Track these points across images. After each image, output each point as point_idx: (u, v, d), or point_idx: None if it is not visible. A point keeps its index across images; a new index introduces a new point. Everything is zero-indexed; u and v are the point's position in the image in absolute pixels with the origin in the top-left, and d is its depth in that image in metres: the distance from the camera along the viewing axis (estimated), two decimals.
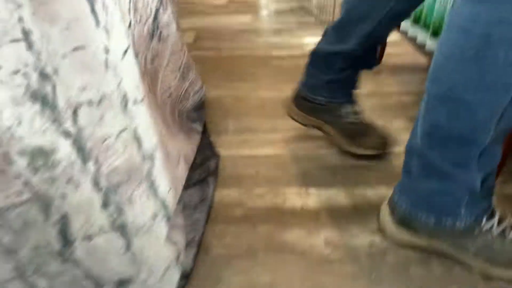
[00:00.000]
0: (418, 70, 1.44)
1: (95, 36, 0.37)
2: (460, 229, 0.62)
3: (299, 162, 0.94)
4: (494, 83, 0.48)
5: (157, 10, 0.59)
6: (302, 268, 0.66)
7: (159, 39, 0.62)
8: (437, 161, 0.59)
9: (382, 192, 0.83)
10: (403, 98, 1.25)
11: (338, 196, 0.83)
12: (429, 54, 1.31)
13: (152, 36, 0.59)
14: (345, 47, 0.83)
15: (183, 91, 0.86)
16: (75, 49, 0.36)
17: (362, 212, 0.78)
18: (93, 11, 0.37)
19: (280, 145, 1.01)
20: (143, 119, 0.43)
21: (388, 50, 1.49)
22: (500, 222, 0.62)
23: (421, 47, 1.37)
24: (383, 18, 0.78)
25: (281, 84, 1.36)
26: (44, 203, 0.38)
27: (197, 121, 1.03)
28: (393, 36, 1.44)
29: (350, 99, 0.94)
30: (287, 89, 1.32)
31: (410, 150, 0.64)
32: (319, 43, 0.90)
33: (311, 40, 1.81)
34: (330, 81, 0.89)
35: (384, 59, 1.52)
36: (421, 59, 1.50)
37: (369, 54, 0.88)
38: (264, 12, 2.35)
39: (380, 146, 0.93)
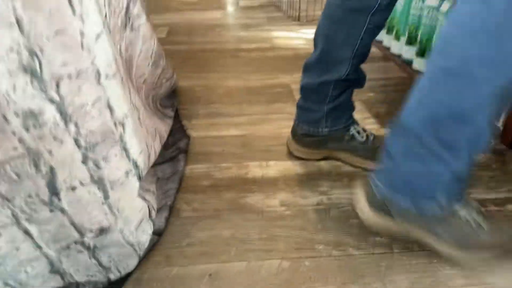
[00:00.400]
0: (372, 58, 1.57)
1: (73, 22, 0.47)
2: (434, 215, 0.61)
3: (261, 141, 1.05)
4: (508, 61, 0.48)
5: (128, 4, 0.68)
6: (259, 223, 0.77)
7: (131, 29, 0.72)
8: (428, 141, 0.56)
9: (333, 162, 0.95)
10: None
11: (294, 166, 0.94)
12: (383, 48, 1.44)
13: (125, 26, 0.68)
14: (336, 75, 0.83)
15: (156, 78, 0.95)
16: (56, 32, 0.45)
17: (313, 178, 0.90)
18: (70, 2, 0.47)
19: (244, 127, 1.12)
20: (115, 91, 0.53)
21: None
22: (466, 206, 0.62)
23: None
24: (364, 33, 0.77)
25: (248, 74, 1.47)
26: (35, 157, 0.47)
27: (169, 107, 1.12)
28: None
29: (352, 121, 0.92)
30: (254, 78, 1.44)
31: (396, 130, 0.62)
32: (304, 79, 0.89)
33: (279, 34, 1.93)
34: (329, 110, 0.88)
35: None
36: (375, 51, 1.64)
37: (359, 73, 0.86)
38: (234, 8, 2.45)
39: None
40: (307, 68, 0.88)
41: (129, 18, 0.70)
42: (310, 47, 1.77)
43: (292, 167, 0.94)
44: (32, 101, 0.45)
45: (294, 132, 0.96)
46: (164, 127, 0.96)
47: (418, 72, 1.04)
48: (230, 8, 2.44)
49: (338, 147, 0.92)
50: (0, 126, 0.44)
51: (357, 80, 0.86)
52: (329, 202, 0.82)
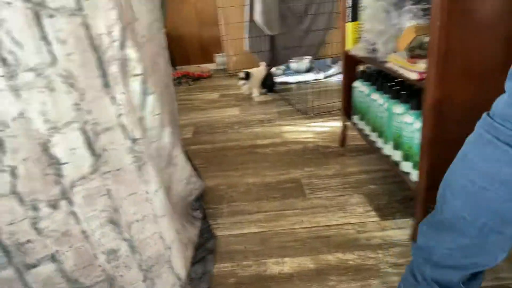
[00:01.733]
0: (373, 150, 1.78)
1: (140, 185, 0.70)
2: None
3: (277, 237, 1.23)
4: None
5: (170, 151, 0.93)
6: None
7: (173, 165, 0.95)
8: None
9: (339, 256, 1.11)
10: (361, 176, 1.57)
11: (306, 262, 1.10)
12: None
13: (168, 165, 0.92)
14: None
15: (188, 191, 1.18)
16: (130, 194, 0.68)
17: (323, 273, 1.05)
18: (139, 174, 0.70)
19: (263, 224, 1.30)
20: (164, 226, 0.73)
21: (350, 132, 1.85)
22: None
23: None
24: None
25: (264, 170, 1.70)
26: (111, 281, 0.66)
27: (198, 209, 1.33)
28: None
29: None
30: (269, 174, 1.65)
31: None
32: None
33: (289, 128, 2.20)
34: None
35: (346, 142, 1.88)
36: None
37: None
38: (250, 104, 2.77)
39: None
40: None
41: (171, 159, 0.94)
42: (317, 140, 2.00)
43: (304, 262, 1.10)
44: (113, 242, 0.66)
45: None
46: (194, 231, 1.16)
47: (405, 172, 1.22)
48: (246, 104, 2.77)
49: None
50: (91, 261, 0.65)
51: None
52: None
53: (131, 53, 0.70)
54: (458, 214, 0.66)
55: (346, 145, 1.88)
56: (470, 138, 0.71)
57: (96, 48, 0.63)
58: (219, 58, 3.98)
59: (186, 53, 4.05)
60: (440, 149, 1.04)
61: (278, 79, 3.22)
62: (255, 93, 2.79)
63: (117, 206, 0.66)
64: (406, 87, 1.29)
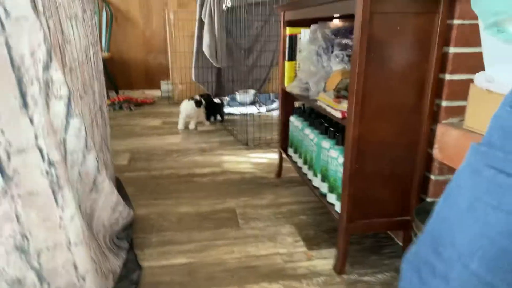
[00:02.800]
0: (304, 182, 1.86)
1: (55, 212, 0.67)
2: None
3: (207, 267, 1.22)
4: None
5: (95, 176, 0.90)
6: None
7: (96, 191, 0.92)
8: None
9: (264, 285, 1.12)
10: (293, 206, 1.63)
11: None
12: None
13: (91, 191, 0.89)
14: None
15: (113, 220, 1.14)
16: (43, 219, 0.65)
17: None
18: (55, 198, 0.67)
19: (192, 255, 1.28)
20: (80, 254, 0.70)
21: (286, 164, 1.92)
22: None
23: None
24: None
25: (199, 199, 1.69)
26: None
27: (124, 239, 1.28)
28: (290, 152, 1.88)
29: None
30: (204, 203, 1.65)
31: None
32: None
33: (229, 158, 2.23)
34: None
35: (282, 173, 1.94)
36: None
37: None
38: (193, 132, 2.78)
39: None
40: None
41: (96, 185, 0.91)
42: (255, 170, 2.05)
43: None
44: (19, 271, 0.62)
45: None
46: (117, 262, 1.11)
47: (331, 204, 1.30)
48: (188, 132, 2.77)
49: None
50: None
51: None
52: None
53: (56, 74, 0.69)
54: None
55: (282, 176, 1.94)
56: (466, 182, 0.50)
57: (16, 68, 0.62)
58: (164, 85, 3.96)
59: (130, 78, 3.99)
60: (360, 183, 1.13)
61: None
62: (192, 125, 2.80)
63: (26, 232, 0.62)
64: (334, 124, 1.39)
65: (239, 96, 3.52)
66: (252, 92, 3.56)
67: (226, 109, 3.31)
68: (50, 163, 0.67)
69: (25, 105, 0.63)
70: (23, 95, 0.63)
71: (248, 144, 2.46)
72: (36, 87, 0.64)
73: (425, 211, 1.16)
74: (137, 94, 3.87)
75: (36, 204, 0.64)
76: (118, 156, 2.22)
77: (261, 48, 3.77)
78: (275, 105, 3.46)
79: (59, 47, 0.78)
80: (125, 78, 3.97)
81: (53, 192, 0.66)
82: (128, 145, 2.43)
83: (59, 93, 0.71)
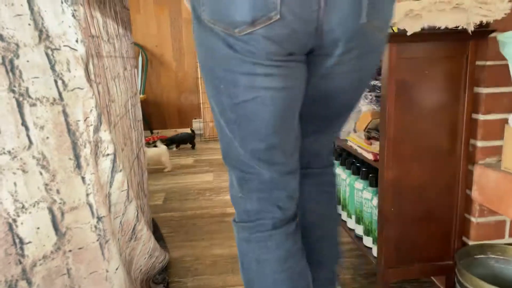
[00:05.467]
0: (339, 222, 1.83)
1: (101, 264, 0.71)
2: None
3: None
4: None
5: (134, 225, 0.95)
6: None
7: (135, 239, 0.97)
8: None
9: None
10: None
11: None
12: None
13: (130, 239, 0.93)
14: None
15: (150, 265, 1.17)
16: (91, 273, 0.69)
17: None
18: (102, 252, 0.72)
19: None
20: None
21: None
22: None
23: None
24: None
25: (231, 240, 1.70)
26: None
27: (160, 283, 1.30)
28: None
29: None
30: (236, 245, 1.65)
31: None
32: None
33: None
34: None
35: None
36: None
37: None
38: (224, 170, 2.83)
39: None
40: None
41: (134, 233, 0.96)
42: None
43: None
44: None
45: None
46: None
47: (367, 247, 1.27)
48: (220, 170, 2.82)
49: None
50: None
51: None
52: None
53: (104, 135, 0.75)
54: None
55: None
56: None
57: (71, 133, 0.68)
58: (196, 123, 4.10)
59: (163, 118, 4.16)
60: (397, 226, 1.11)
61: None
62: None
63: (75, 285, 0.66)
64: (366, 164, 1.39)
65: None
66: None
67: None
68: (99, 218, 0.71)
69: (78, 166, 0.69)
70: (77, 157, 0.69)
71: None
72: (88, 149, 0.70)
73: (467, 255, 1.11)
74: (170, 133, 4.01)
75: (85, 258, 0.68)
76: (153, 196, 2.29)
77: None
78: None
79: (106, 108, 0.85)
80: (159, 118, 4.14)
81: (101, 246, 0.70)
82: (162, 185, 2.51)
83: (106, 151, 0.77)
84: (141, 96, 3.87)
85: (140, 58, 3.94)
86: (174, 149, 3.56)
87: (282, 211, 0.70)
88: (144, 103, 3.90)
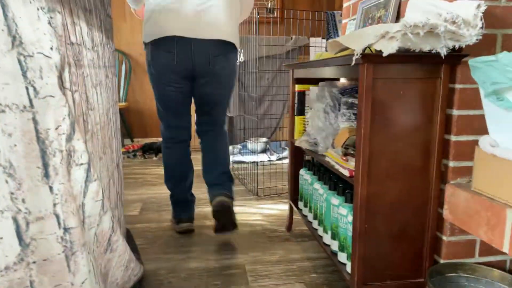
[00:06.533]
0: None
1: (67, 277, 0.68)
2: None
3: None
4: None
5: (110, 235, 0.92)
6: None
7: (110, 251, 0.94)
8: None
9: None
10: (304, 263, 1.60)
11: None
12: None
13: (105, 251, 0.91)
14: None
15: (126, 278, 1.14)
16: (55, 286, 0.66)
17: None
18: (68, 267, 0.69)
19: None
20: None
21: (297, 217, 1.91)
22: None
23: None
24: None
25: (208, 254, 1.68)
26: None
27: None
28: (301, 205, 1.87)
29: None
30: (213, 259, 1.63)
31: None
32: None
33: (239, 209, 2.23)
34: None
35: (293, 225, 1.93)
36: None
37: None
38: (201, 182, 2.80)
39: None
40: None
41: (110, 244, 0.93)
42: (266, 223, 2.04)
43: None
44: None
45: None
46: None
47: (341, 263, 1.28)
48: (200, 181, 2.79)
49: None
50: None
51: None
52: None
53: (78, 144, 0.74)
54: None
55: (293, 230, 1.93)
56: None
57: (41, 141, 0.66)
58: None
59: (145, 127, 4.11)
60: (370, 243, 1.12)
61: (234, 158, 3.33)
62: None
63: None
64: (343, 180, 1.40)
65: (250, 144, 3.58)
66: (263, 140, 3.62)
67: (237, 157, 3.36)
68: (66, 229, 0.69)
69: (46, 175, 0.67)
70: (45, 166, 0.67)
71: (259, 194, 2.46)
72: (58, 157, 0.68)
73: (439, 273, 1.13)
74: (150, 142, 3.96)
75: (49, 270, 0.65)
76: (130, 206, 2.25)
77: (272, 98, 3.89)
78: (286, 153, 3.50)
79: (83, 116, 0.83)
80: (140, 127, 4.09)
81: (66, 258, 0.68)
82: (140, 195, 2.46)
83: (80, 160, 0.75)
84: (123, 103, 3.82)
85: (123, 66, 3.91)
86: (154, 158, 3.52)
87: (181, 135, 1.83)
88: (125, 111, 3.85)
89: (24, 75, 0.64)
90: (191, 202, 1.91)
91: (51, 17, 0.68)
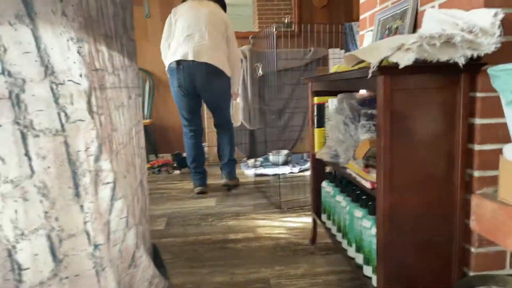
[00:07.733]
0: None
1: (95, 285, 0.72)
2: None
3: None
4: None
5: (134, 252, 0.96)
6: None
7: (134, 266, 0.97)
8: None
9: None
10: (329, 277, 1.58)
11: None
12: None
13: (129, 266, 0.94)
14: None
15: None
16: None
17: None
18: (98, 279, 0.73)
19: None
20: None
21: (321, 230, 1.90)
22: None
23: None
24: None
25: (233, 268, 1.69)
26: None
27: None
28: (324, 217, 1.87)
29: None
30: (238, 273, 1.64)
31: None
32: None
33: (263, 222, 2.23)
34: None
35: (317, 238, 1.92)
36: None
37: None
38: (226, 195, 2.84)
39: None
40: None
41: (134, 260, 0.97)
42: (289, 236, 2.03)
43: None
44: None
45: None
46: None
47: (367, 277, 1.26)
48: (223, 195, 2.83)
49: None
50: None
51: None
52: None
53: (105, 164, 0.78)
54: None
55: (317, 243, 1.91)
56: None
57: (72, 163, 0.71)
58: None
59: (169, 142, 4.20)
60: (395, 256, 1.10)
61: (256, 171, 3.36)
62: None
63: None
64: (365, 192, 1.39)
65: (272, 157, 3.59)
66: (284, 152, 3.63)
67: (260, 170, 3.38)
68: (95, 246, 0.73)
69: (77, 194, 0.71)
70: (76, 186, 0.71)
71: (282, 207, 2.46)
72: (88, 178, 0.72)
73: (468, 285, 1.10)
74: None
75: (81, 285, 0.69)
76: (155, 221, 2.30)
77: (293, 110, 3.90)
78: (308, 165, 3.49)
79: (108, 137, 0.88)
80: (165, 142, 4.19)
81: (97, 274, 0.71)
82: (165, 210, 2.52)
83: (106, 179, 0.79)
84: (148, 120, 3.94)
85: (147, 84, 4.04)
86: (177, 172, 3.59)
87: (193, 129, 2.84)
88: (150, 127, 3.97)
89: (56, 101, 0.69)
90: (203, 174, 2.90)
91: (80, 47, 0.73)
